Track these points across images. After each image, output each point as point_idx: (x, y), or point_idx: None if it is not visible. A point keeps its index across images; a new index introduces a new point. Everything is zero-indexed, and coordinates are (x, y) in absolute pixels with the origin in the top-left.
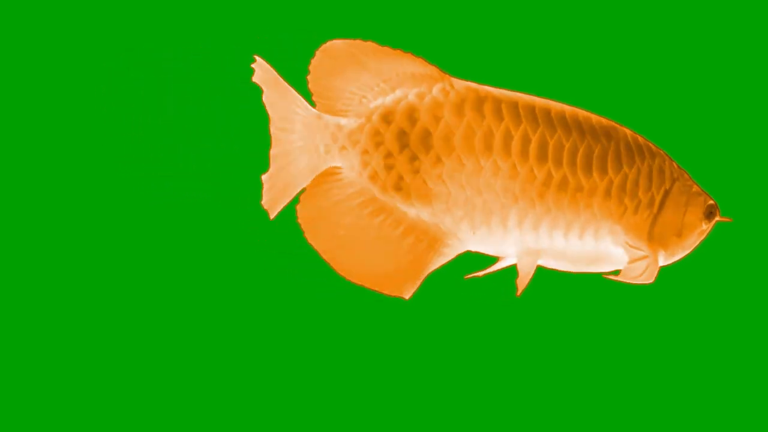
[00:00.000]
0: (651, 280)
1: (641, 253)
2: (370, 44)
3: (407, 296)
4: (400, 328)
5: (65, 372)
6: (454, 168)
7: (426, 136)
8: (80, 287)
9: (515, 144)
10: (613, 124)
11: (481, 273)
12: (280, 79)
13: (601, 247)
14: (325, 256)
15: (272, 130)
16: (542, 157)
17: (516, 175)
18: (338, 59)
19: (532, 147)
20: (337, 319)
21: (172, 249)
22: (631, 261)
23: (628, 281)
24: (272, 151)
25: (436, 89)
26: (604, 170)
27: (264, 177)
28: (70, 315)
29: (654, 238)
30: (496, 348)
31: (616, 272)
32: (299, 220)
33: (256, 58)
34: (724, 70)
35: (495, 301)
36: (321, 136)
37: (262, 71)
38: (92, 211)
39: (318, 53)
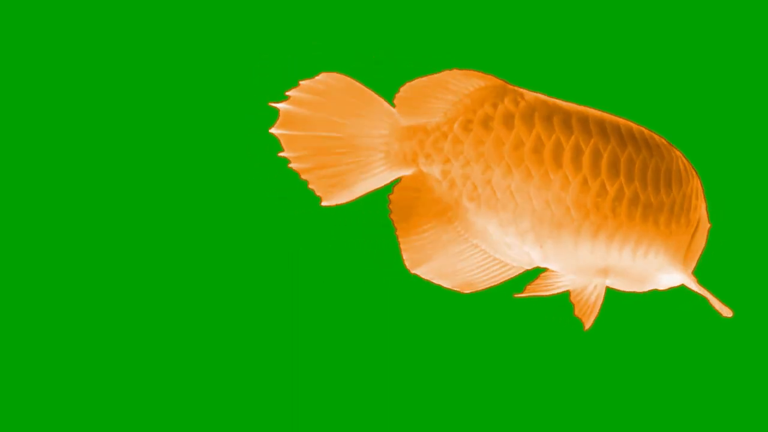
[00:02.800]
0: (731, 312)
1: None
2: (455, 71)
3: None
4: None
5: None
6: (522, 179)
7: (499, 145)
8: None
9: (586, 158)
10: (667, 142)
11: (529, 293)
12: (364, 87)
13: (662, 266)
14: (406, 251)
15: (338, 135)
16: (614, 171)
17: (587, 189)
18: (423, 88)
19: (604, 161)
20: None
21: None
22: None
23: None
24: (333, 159)
25: (507, 99)
26: (669, 187)
27: (323, 173)
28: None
29: (686, 258)
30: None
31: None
32: (394, 224)
33: (330, 74)
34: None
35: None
36: (409, 143)
37: (335, 81)
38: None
39: (404, 89)
